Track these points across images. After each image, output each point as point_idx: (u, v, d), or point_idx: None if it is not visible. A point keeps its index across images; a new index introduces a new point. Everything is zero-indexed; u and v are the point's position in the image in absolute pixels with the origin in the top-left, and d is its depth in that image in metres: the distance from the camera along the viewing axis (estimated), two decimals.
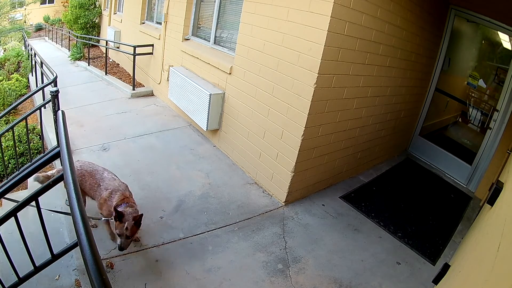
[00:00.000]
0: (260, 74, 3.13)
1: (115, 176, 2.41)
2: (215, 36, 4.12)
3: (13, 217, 1.78)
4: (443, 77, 4.40)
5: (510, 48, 3.92)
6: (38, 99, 5.32)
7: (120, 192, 2.25)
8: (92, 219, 2.37)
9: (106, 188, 2.27)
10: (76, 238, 1.18)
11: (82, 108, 4.94)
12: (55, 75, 3.85)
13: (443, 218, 3.37)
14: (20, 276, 1.88)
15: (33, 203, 1.75)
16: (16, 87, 7.38)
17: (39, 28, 18.58)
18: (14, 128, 3.43)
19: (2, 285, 1.92)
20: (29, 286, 1.97)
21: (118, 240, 2.04)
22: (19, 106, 5.67)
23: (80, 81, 6.68)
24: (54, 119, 3.29)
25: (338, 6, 2.44)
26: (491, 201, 1.95)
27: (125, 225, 2.00)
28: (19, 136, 4.43)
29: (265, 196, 3.15)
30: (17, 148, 3.90)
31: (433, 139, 4.64)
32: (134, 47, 5.50)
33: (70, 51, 9.26)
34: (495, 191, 1.92)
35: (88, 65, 7.74)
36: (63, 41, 11.94)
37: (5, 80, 7.88)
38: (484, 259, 1.32)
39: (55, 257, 1.93)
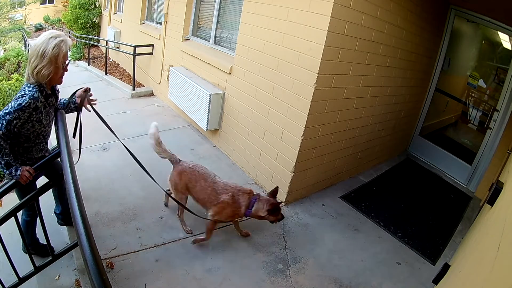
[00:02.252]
0: (260, 74, 3.13)
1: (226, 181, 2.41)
2: (215, 36, 4.12)
3: (13, 217, 1.79)
4: (443, 77, 4.40)
5: (510, 48, 3.92)
6: None
7: (242, 191, 2.29)
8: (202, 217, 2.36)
9: (224, 192, 2.28)
10: (76, 238, 1.19)
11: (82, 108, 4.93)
12: None
13: (443, 218, 3.37)
14: (20, 276, 1.88)
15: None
16: (16, 87, 7.37)
17: (39, 28, 18.58)
18: None
19: (2, 285, 1.92)
20: (29, 286, 1.97)
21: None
22: None
23: (80, 81, 6.67)
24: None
25: (338, 6, 2.44)
26: (491, 201, 1.95)
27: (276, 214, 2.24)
28: None
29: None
30: None
31: (433, 139, 4.64)
32: (134, 47, 5.50)
33: (70, 51, 9.26)
34: (495, 191, 1.92)
35: (88, 65, 7.74)
36: None
37: (5, 80, 7.88)
38: (484, 259, 1.32)
39: (55, 257, 1.94)
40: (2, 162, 1.78)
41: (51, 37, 1.74)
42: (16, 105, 1.72)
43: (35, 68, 1.73)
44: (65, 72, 1.88)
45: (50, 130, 2.03)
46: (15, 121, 1.73)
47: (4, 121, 1.72)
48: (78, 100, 2.14)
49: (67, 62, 1.85)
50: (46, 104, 1.86)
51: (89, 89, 2.18)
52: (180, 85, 4.23)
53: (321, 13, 2.48)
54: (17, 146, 1.88)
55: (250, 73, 3.26)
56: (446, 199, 3.79)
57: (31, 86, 1.78)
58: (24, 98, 1.74)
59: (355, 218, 3.05)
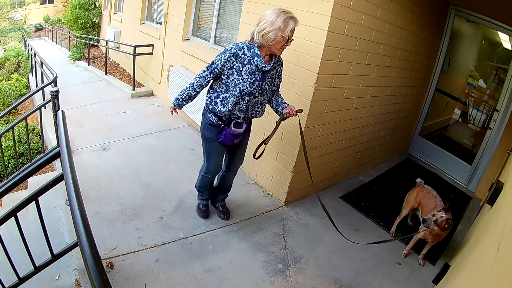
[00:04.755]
0: None
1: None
2: (215, 36, 4.12)
3: (13, 217, 1.79)
4: (443, 77, 4.40)
5: (510, 48, 3.92)
6: (38, 99, 5.32)
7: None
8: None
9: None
10: (76, 238, 1.18)
11: (82, 108, 4.94)
12: (55, 75, 3.85)
13: None
14: (20, 276, 1.88)
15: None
16: (16, 87, 7.38)
17: (39, 28, 18.58)
18: (14, 128, 3.43)
19: (2, 285, 1.92)
20: (29, 286, 1.97)
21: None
22: (19, 106, 5.68)
23: (80, 81, 6.68)
24: (54, 119, 3.29)
25: (338, 6, 2.44)
26: (491, 201, 1.96)
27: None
28: (19, 136, 4.44)
29: (265, 196, 3.15)
30: (17, 148, 3.90)
31: (433, 139, 4.64)
32: (134, 47, 5.50)
33: (70, 51, 9.27)
34: (495, 191, 1.92)
35: (88, 65, 7.74)
36: (63, 41, 11.94)
37: (5, 80, 7.88)
38: (484, 259, 1.32)
39: (55, 257, 1.93)
40: (182, 96, 2.20)
41: (282, 11, 1.96)
42: (220, 53, 2.06)
43: (263, 30, 1.96)
44: (287, 46, 2.07)
45: (260, 98, 2.18)
46: (217, 62, 2.05)
47: (207, 67, 2.09)
48: (285, 111, 2.26)
49: (291, 39, 2.03)
50: (252, 61, 2.04)
51: (301, 110, 2.35)
52: (180, 85, 4.23)
53: (321, 13, 2.48)
54: (217, 92, 2.16)
55: None
56: (446, 199, 3.77)
57: (242, 42, 2.09)
58: (230, 46, 2.08)
59: (355, 218, 3.06)
